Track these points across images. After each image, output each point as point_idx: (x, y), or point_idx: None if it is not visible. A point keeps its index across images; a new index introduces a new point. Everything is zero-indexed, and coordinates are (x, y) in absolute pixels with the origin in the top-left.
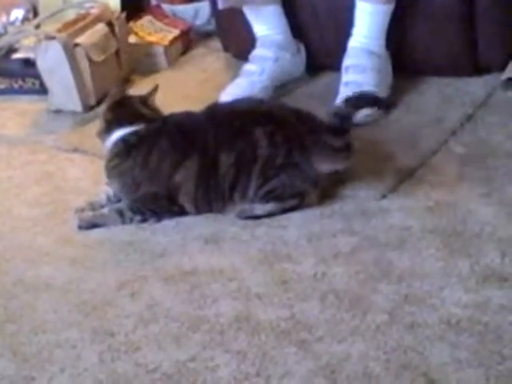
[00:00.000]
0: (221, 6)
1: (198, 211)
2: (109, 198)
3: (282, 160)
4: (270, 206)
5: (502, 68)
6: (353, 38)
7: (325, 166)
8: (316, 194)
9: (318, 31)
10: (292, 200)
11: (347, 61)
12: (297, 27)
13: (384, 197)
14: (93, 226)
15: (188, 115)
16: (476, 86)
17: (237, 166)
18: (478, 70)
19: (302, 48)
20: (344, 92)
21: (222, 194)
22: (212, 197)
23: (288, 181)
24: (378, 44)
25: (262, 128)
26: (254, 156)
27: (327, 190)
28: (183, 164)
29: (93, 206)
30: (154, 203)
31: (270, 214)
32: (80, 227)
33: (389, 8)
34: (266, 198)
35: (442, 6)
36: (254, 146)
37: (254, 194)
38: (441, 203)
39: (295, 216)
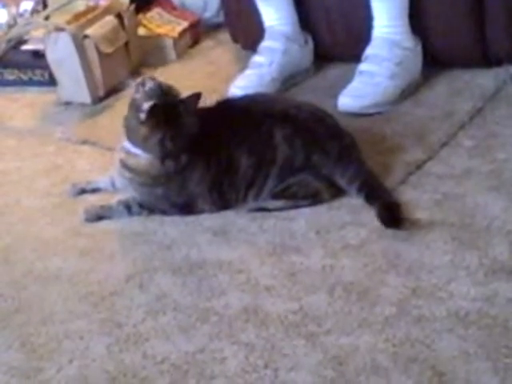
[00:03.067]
0: None
1: (216, 211)
2: (113, 184)
3: (301, 162)
4: (281, 203)
5: None
6: (375, 30)
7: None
8: (329, 193)
9: (325, 21)
10: (305, 200)
11: (368, 50)
12: (305, 18)
13: (393, 190)
14: (99, 218)
15: (198, 115)
16: (486, 79)
17: (255, 168)
18: (488, 62)
19: (310, 39)
20: (357, 80)
21: (236, 194)
22: (227, 197)
23: (304, 181)
24: (401, 31)
25: (280, 130)
26: (272, 158)
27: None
28: (195, 167)
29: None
30: (167, 206)
31: (280, 209)
32: (87, 220)
33: None
34: (280, 195)
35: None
36: (273, 148)
37: (268, 193)
38: (449, 196)
39: (304, 208)
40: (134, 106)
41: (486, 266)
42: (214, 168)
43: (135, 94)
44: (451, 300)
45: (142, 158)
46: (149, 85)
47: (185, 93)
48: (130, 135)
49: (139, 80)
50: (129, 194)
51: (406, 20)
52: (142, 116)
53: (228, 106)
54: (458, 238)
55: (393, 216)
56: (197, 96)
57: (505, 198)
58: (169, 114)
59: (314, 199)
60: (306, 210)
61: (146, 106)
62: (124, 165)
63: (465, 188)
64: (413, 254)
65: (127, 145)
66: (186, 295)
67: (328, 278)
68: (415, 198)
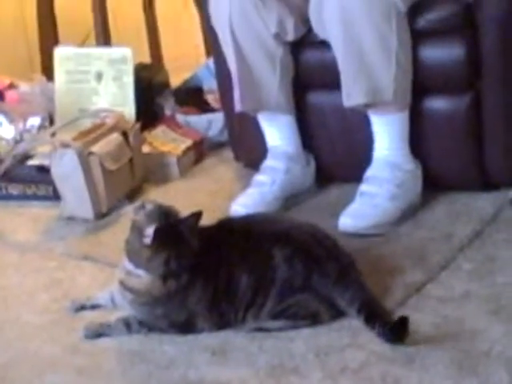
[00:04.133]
0: (238, 108)
1: (216, 329)
2: (113, 301)
3: (301, 283)
4: (280, 323)
5: (511, 184)
6: (376, 151)
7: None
8: (329, 314)
9: (328, 142)
10: (304, 321)
11: (369, 171)
12: (307, 138)
13: (392, 311)
14: (98, 335)
15: (199, 233)
16: (484, 203)
17: (254, 288)
18: (487, 186)
19: (312, 160)
20: (358, 201)
21: (235, 314)
22: (226, 317)
23: (303, 301)
24: (402, 154)
25: (280, 251)
26: (272, 278)
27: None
28: (195, 286)
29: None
30: (166, 325)
31: (279, 330)
32: (86, 337)
33: (404, 115)
34: (279, 315)
35: (450, 124)
36: (273, 269)
37: (267, 314)
38: (449, 319)
39: (303, 329)
40: (136, 229)
41: None
42: (214, 287)
43: (136, 216)
44: None
45: (143, 278)
46: (148, 207)
47: (187, 210)
48: (133, 257)
49: (138, 203)
50: (128, 311)
51: (406, 143)
52: (147, 240)
53: (229, 226)
54: (457, 362)
55: (399, 331)
56: (197, 215)
57: (504, 323)
58: (171, 235)
59: (314, 320)
60: (306, 331)
61: (150, 230)
62: (124, 286)
63: (464, 311)
64: (412, 378)
65: (128, 265)
66: None
67: None
68: (415, 320)
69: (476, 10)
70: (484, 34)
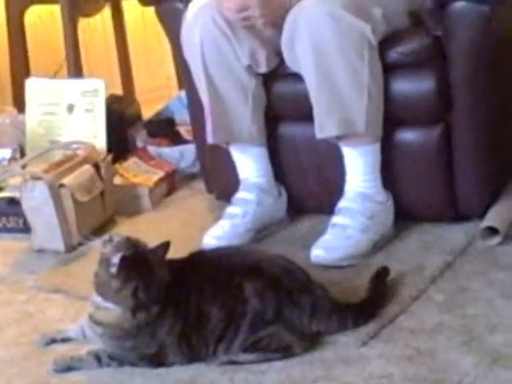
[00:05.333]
0: (210, 140)
1: (186, 363)
2: (83, 334)
3: (272, 316)
4: (252, 356)
5: (482, 216)
6: (347, 183)
7: (317, 327)
8: (301, 346)
9: (300, 174)
10: (276, 354)
11: (341, 203)
12: (279, 169)
13: (364, 343)
14: (69, 369)
15: (169, 265)
16: (456, 234)
17: (225, 322)
18: (458, 217)
19: (284, 191)
20: (330, 233)
21: (206, 347)
22: (196, 350)
23: (275, 334)
24: (373, 185)
25: (251, 284)
26: (243, 312)
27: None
28: (165, 318)
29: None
30: (137, 358)
31: (251, 362)
32: (56, 370)
33: (376, 147)
34: (251, 348)
35: (422, 155)
36: (244, 301)
37: (239, 347)
38: (421, 351)
39: (275, 361)
40: (104, 262)
41: None
42: (184, 320)
43: (103, 249)
44: None
45: (112, 311)
46: (116, 239)
47: (159, 242)
48: (101, 289)
49: (107, 236)
50: (99, 344)
51: (377, 175)
52: (113, 270)
53: (199, 258)
54: None
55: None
56: (165, 246)
57: (475, 354)
58: (139, 265)
59: (286, 352)
60: (278, 364)
61: (116, 259)
62: (94, 320)
63: (436, 343)
64: None
65: (97, 299)
66: None
67: None
68: (387, 352)
69: (445, 42)
70: (453, 66)
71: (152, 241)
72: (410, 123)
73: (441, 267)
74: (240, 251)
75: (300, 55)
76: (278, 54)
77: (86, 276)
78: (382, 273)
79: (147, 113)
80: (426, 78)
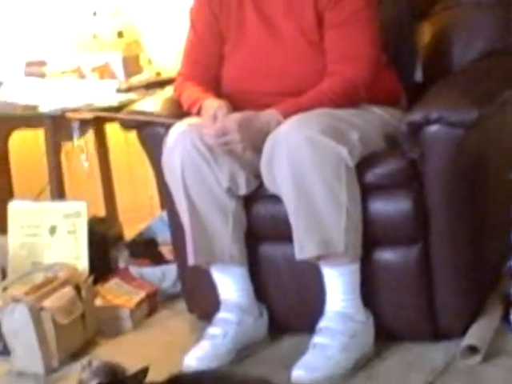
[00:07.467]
0: (191, 262)
1: None
2: None
3: None
4: None
5: (462, 335)
6: (328, 303)
7: None
8: None
9: (281, 294)
10: None
11: (321, 323)
12: (260, 289)
13: None
14: None
15: None
16: (436, 353)
17: None
18: (438, 336)
19: (265, 311)
20: (310, 353)
21: None
22: None
23: None
24: (353, 305)
25: None
26: None
27: None
28: None
29: None
30: None
31: None
32: None
33: (355, 267)
34: None
35: (400, 275)
36: None
37: None
38: None
39: None
40: None
41: None
42: None
43: (82, 374)
44: None
45: None
46: (95, 364)
47: (140, 364)
48: None
49: (85, 361)
50: None
51: (357, 294)
52: None
53: (178, 382)
54: None
55: None
56: (144, 371)
57: None
58: None
59: None
60: None
61: None
62: None
63: None
64: None
65: None
66: None
67: None
68: None
69: (420, 165)
70: (429, 188)
71: (133, 363)
72: (388, 243)
73: None
74: (219, 374)
75: (279, 178)
76: (258, 176)
77: None
78: None
79: (130, 232)
80: (403, 199)
